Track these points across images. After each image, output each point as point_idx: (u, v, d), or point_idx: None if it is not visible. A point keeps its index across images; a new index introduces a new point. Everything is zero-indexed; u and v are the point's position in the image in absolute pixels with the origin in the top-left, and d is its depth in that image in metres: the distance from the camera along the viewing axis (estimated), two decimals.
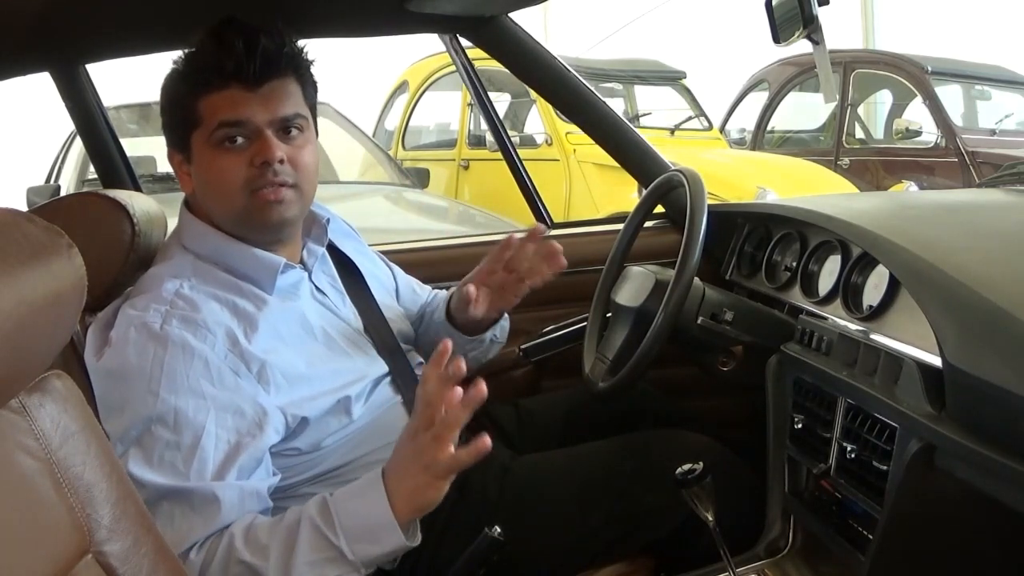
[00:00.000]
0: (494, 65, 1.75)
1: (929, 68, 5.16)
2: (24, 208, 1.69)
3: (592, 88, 1.73)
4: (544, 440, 1.33)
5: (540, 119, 4.91)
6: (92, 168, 1.96)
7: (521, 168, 1.89)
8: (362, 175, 4.54)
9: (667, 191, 1.44)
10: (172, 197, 1.21)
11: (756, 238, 1.57)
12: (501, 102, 5.25)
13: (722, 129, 5.81)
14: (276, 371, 1.02)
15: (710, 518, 1.01)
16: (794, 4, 1.37)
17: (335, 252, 1.25)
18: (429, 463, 0.89)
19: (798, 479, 1.21)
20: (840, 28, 6.82)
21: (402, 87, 5.83)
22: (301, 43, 1.09)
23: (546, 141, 4.79)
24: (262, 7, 1.16)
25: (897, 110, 5.71)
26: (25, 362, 0.62)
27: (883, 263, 1.11)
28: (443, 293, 1.40)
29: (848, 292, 1.19)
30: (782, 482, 1.22)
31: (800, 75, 5.77)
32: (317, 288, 1.17)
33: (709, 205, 1.25)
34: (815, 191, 4.08)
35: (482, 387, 0.88)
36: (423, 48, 5.31)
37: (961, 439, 0.85)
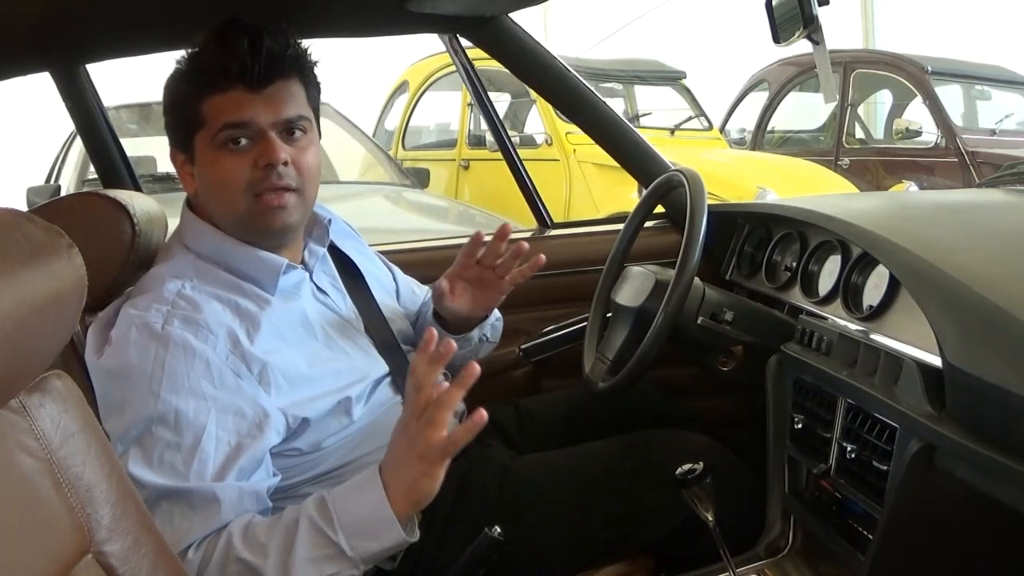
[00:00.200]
0: (494, 65, 1.75)
1: (929, 68, 5.16)
2: (24, 208, 1.69)
3: (592, 88, 1.73)
4: (544, 440, 1.33)
5: (540, 119, 4.91)
6: (92, 168, 1.96)
7: (521, 168, 1.89)
8: (362, 175, 4.54)
9: (667, 191, 1.44)
10: (172, 197, 1.21)
11: (756, 238, 1.57)
12: (501, 102, 5.25)
13: (722, 129, 5.81)
14: (277, 372, 1.02)
15: (710, 518, 1.01)
16: (794, 4, 1.37)
17: (336, 252, 1.25)
18: (424, 450, 0.89)
19: (798, 479, 1.20)
20: (840, 28, 6.82)
21: (402, 87, 5.83)
22: (305, 44, 1.09)
23: (546, 141, 4.79)
24: (263, 7, 1.16)
25: (897, 110, 5.71)
26: (25, 362, 0.62)
27: (883, 263, 1.11)
28: None
29: (848, 292, 1.19)
30: (782, 482, 1.22)
31: (800, 75, 5.77)
32: (318, 288, 1.17)
33: (709, 205, 1.25)
34: (815, 191, 4.08)
35: (475, 367, 0.88)
36: (423, 48, 5.31)
37: (961, 439, 0.85)
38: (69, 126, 2.13)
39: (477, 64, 1.90)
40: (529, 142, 4.90)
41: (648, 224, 1.63)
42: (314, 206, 1.15)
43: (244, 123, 1.03)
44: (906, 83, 5.31)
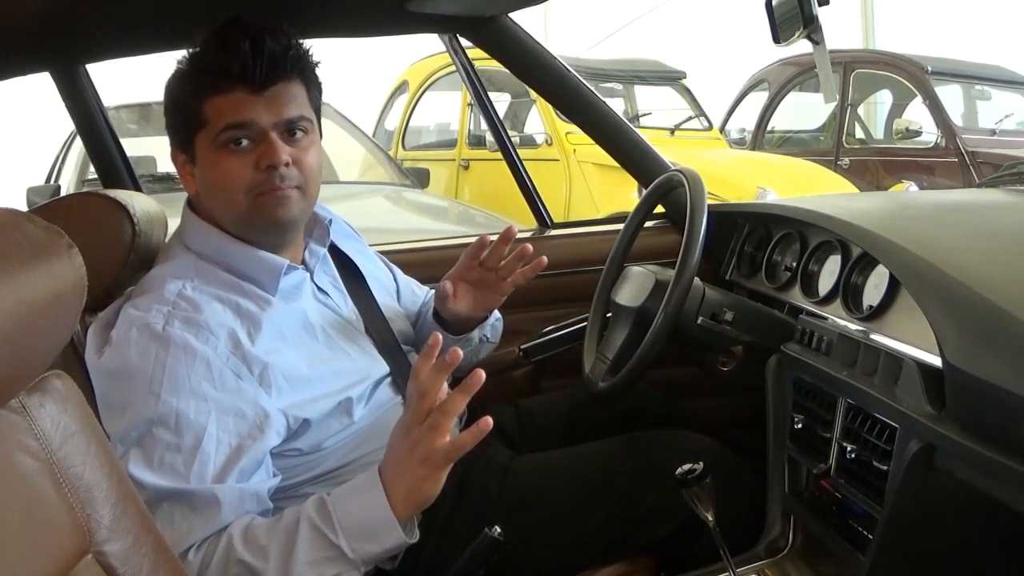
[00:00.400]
0: (494, 65, 1.75)
1: (929, 68, 5.16)
2: (24, 208, 1.69)
3: (592, 88, 1.73)
4: (544, 440, 1.33)
5: (540, 119, 4.91)
6: (92, 168, 1.96)
7: (521, 168, 1.89)
8: (362, 175, 4.54)
9: (667, 191, 1.44)
10: (172, 197, 1.21)
11: (756, 238, 1.57)
12: (501, 102, 5.25)
13: (722, 129, 5.81)
14: (278, 373, 1.02)
15: (710, 518, 1.01)
16: (794, 4, 1.37)
17: (336, 253, 1.25)
18: (426, 455, 0.89)
19: (798, 479, 1.21)
20: (840, 28, 6.82)
21: (402, 87, 5.83)
22: (307, 44, 1.09)
23: (546, 141, 4.79)
24: (263, 7, 1.16)
25: (897, 110, 5.71)
26: (25, 362, 0.62)
27: (883, 263, 1.11)
28: None
29: (848, 292, 1.19)
30: (782, 482, 1.22)
31: (800, 75, 5.77)
32: (319, 288, 1.17)
33: (709, 205, 1.25)
34: (815, 191, 4.08)
35: (480, 374, 0.88)
36: (423, 48, 5.31)
37: (961, 439, 0.85)
38: (69, 126, 2.13)
39: (477, 64, 1.90)
40: (529, 142, 4.90)
41: (648, 224, 1.63)
42: (315, 206, 1.15)
43: (245, 124, 1.02)
44: (906, 83, 5.31)
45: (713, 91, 5.90)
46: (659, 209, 1.66)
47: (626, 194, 3.81)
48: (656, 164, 1.70)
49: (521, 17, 1.65)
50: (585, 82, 1.72)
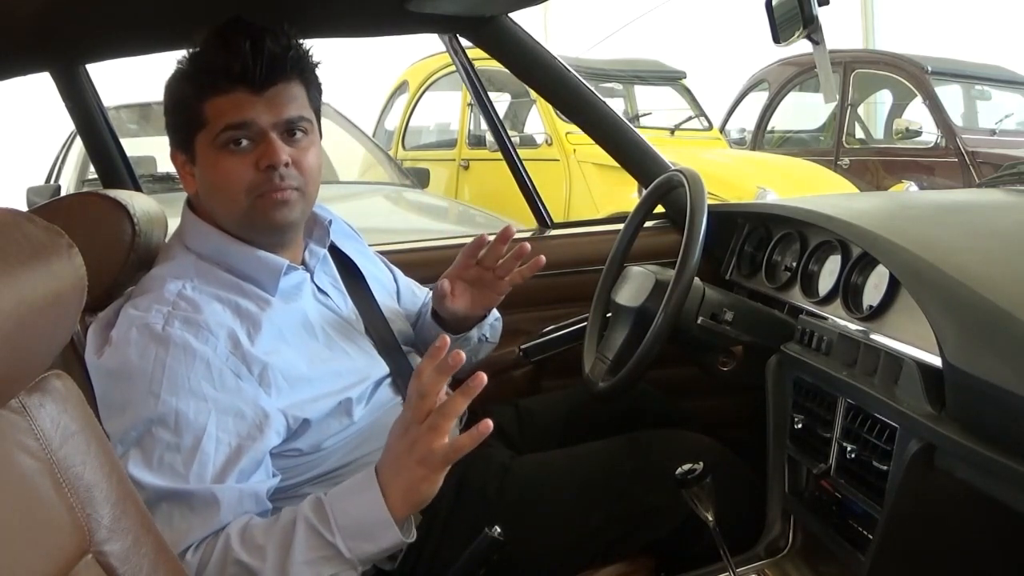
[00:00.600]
0: (494, 65, 1.75)
1: (929, 68, 5.16)
2: (24, 208, 1.69)
3: (592, 88, 1.73)
4: (544, 440, 1.33)
5: (540, 119, 4.91)
6: (92, 168, 1.96)
7: (521, 168, 1.89)
8: (362, 175, 4.54)
9: (667, 191, 1.44)
10: (172, 197, 1.21)
11: (756, 238, 1.57)
12: (501, 102, 5.25)
13: (722, 129, 5.81)
14: (277, 373, 1.02)
15: (710, 518, 1.01)
16: (794, 4, 1.37)
17: (336, 253, 1.25)
18: (425, 456, 0.89)
19: (798, 479, 1.21)
20: (840, 28, 6.82)
21: (402, 87, 5.83)
22: (307, 45, 1.09)
23: (546, 141, 4.79)
24: (263, 7, 1.16)
25: (897, 110, 5.71)
26: (25, 362, 0.62)
27: (883, 263, 1.11)
28: None
29: (848, 292, 1.19)
30: (782, 482, 1.22)
31: (800, 75, 5.77)
32: (319, 289, 1.17)
33: (709, 205, 1.25)
34: (815, 191, 4.08)
35: (482, 377, 0.88)
36: (423, 48, 5.31)
37: (961, 439, 0.85)
38: (69, 126, 2.13)
39: (477, 64, 1.90)
40: (529, 142, 4.90)
41: (648, 224, 1.63)
42: (314, 206, 1.15)
43: (245, 124, 1.02)
44: (906, 83, 5.31)
45: (713, 91, 5.90)
46: (659, 209, 1.66)
47: (626, 194, 3.81)
48: (656, 164, 1.70)
49: (521, 17, 1.65)
50: (585, 82, 1.72)
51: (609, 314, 1.41)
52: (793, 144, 5.95)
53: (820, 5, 1.36)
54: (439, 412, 0.88)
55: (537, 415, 1.41)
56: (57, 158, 4.26)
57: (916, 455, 0.93)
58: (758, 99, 6.14)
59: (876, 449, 1.01)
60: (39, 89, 1.61)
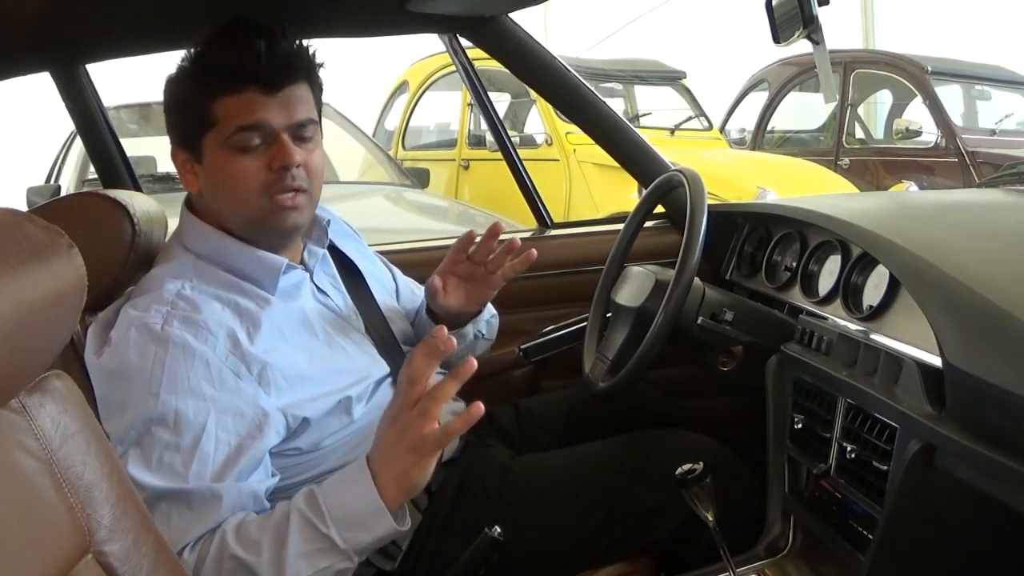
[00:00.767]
0: (494, 65, 1.75)
1: (929, 68, 5.16)
2: (24, 208, 1.69)
3: (592, 88, 1.73)
4: (544, 440, 1.33)
5: (540, 119, 4.91)
6: (92, 168, 1.96)
7: (521, 168, 1.89)
8: (362, 175, 4.54)
9: (667, 191, 1.44)
10: (172, 197, 1.21)
11: (756, 238, 1.57)
12: (501, 102, 5.25)
13: (722, 129, 5.81)
14: (277, 372, 1.02)
15: (710, 518, 1.01)
16: (794, 4, 1.37)
17: (336, 253, 1.25)
18: (415, 442, 0.89)
19: (798, 479, 1.20)
20: (840, 28, 6.82)
21: (402, 87, 5.83)
22: (311, 46, 1.09)
23: (546, 141, 4.79)
24: (263, 7, 1.16)
25: (897, 110, 5.71)
26: (25, 362, 0.62)
27: (883, 263, 1.11)
28: None
29: (848, 292, 1.19)
30: (782, 482, 1.22)
31: (800, 75, 5.77)
32: (319, 288, 1.17)
33: (709, 205, 1.25)
34: (815, 191, 4.08)
35: (472, 362, 0.88)
36: (423, 48, 5.31)
37: (961, 439, 0.85)
38: (69, 126, 2.13)
39: (477, 64, 1.90)
40: (529, 142, 4.90)
41: (648, 224, 1.63)
42: None
43: (259, 125, 1.03)
44: (906, 83, 5.31)
45: (713, 91, 5.90)
46: (659, 209, 1.66)
47: (626, 194, 3.81)
48: (656, 164, 1.70)
49: (521, 17, 1.65)
50: (585, 82, 1.72)
51: (609, 314, 1.41)
52: (793, 144, 5.95)
53: (820, 5, 1.36)
54: (429, 397, 0.88)
55: (537, 415, 1.41)
56: (57, 158, 4.26)
57: (916, 455, 0.93)
58: (758, 99, 6.14)
59: (876, 449, 1.01)
60: (39, 89, 1.61)
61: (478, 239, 1.22)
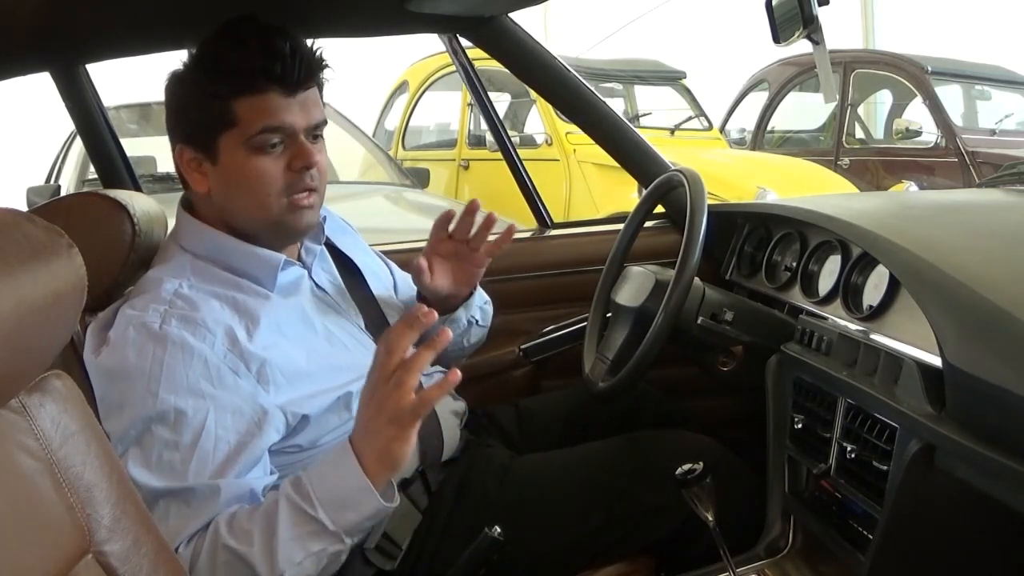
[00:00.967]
0: (494, 65, 1.75)
1: (929, 68, 5.16)
2: (24, 208, 1.69)
3: (592, 88, 1.73)
4: (544, 440, 1.33)
5: (540, 119, 4.91)
6: (92, 168, 1.96)
7: (521, 168, 1.89)
8: (362, 175, 4.54)
9: (667, 191, 1.44)
10: (173, 197, 1.21)
11: (756, 238, 1.57)
12: (501, 102, 5.25)
13: (722, 129, 5.81)
14: (276, 369, 1.02)
15: (710, 518, 1.01)
16: (794, 4, 1.37)
17: (333, 250, 1.25)
18: (393, 414, 0.89)
19: (798, 479, 1.20)
20: (840, 28, 6.82)
21: (402, 87, 5.83)
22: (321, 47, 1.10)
23: (546, 141, 4.79)
24: (263, 7, 1.16)
25: (897, 110, 5.71)
26: (25, 362, 0.62)
27: (883, 263, 1.11)
28: None
29: (848, 292, 1.19)
30: (782, 482, 1.22)
31: (800, 75, 5.77)
32: (317, 285, 1.17)
33: (709, 205, 1.25)
34: (815, 191, 4.08)
35: (448, 333, 0.88)
36: (423, 48, 5.31)
37: (961, 439, 0.85)
38: (69, 126, 2.13)
39: (477, 64, 1.90)
40: (529, 142, 4.90)
41: (648, 224, 1.63)
42: None
43: (281, 127, 1.03)
44: (906, 83, 5.31)
45: (713, 91, 5.90)
46: (659, 209, 1.66)
47: (626, 194, 3.81)
48: (656, 164, 1.70)
49: (521, 17, 1.65)
50: (585, 82, 1.72)
51: (609, 314, 1.41)
52: (793, 144, 5.95)
53: (820, 5, 1.35)
54: (403, 367, 0.88)
55: (537, 415, 1.41)
56: (57, 158, 4.26)
57: (916, 455, 0.93)
58: (758, 99, 6.14)
59: (876, 449, 1.01)
60: (39, 89, 1.61)
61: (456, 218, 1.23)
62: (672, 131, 5.05)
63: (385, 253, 1.44)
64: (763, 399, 1.27)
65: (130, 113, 3.82)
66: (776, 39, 1.47)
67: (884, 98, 5.93)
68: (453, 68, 2.17)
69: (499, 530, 0.94)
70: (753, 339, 1.29)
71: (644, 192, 1.50)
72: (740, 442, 1.29)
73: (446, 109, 5.71)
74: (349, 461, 0.91)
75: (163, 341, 0.97)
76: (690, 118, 5.17)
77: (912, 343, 1.00)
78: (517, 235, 1.88)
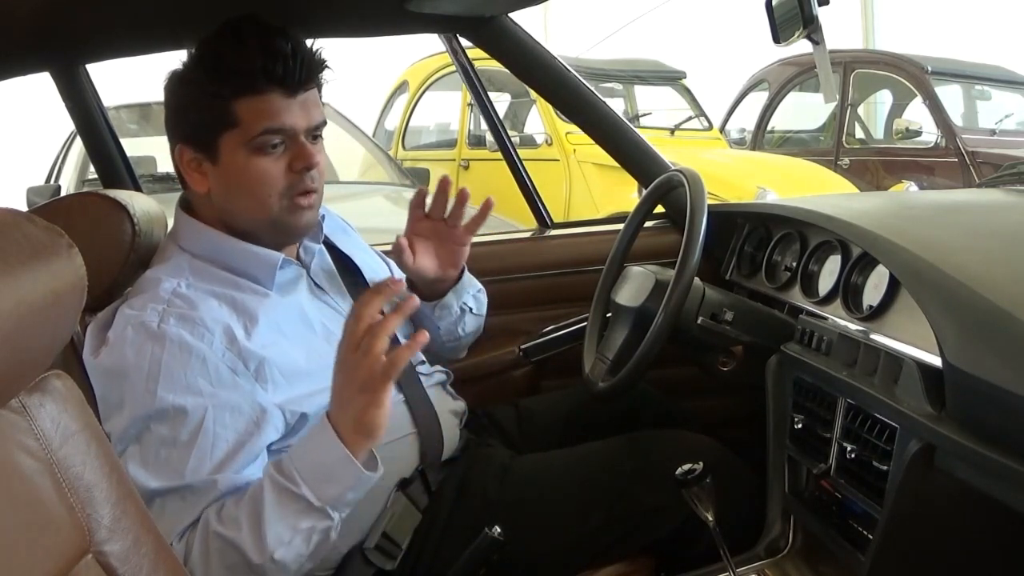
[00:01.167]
0: (494, 65, 1.75)
1: (929, 68, 5.16)
2: (24, 208, 1.69)
3: (592, 88, 1.73)
4: (544, 440, 1.33)
5: (540, 119, 4.91)
6: (92, 168, 1.96)
7: (521, 168, 1.89)
8: (362, 175, 4.55)
9: (667, 191, 1.44)
10: (172, 197, 1.21)
11: (756, 238, 1.57)
12: (501, 102, 5.25)
13: (722, 129, 5.81)
14: (274, 368, 1.02)
15: (710, 518, 1.01)
16: (794, 4, 1.37)
17: (332, 249, 1.25)
18: (364, 381, 0.90)
19: (798, 479, 1.20)
20: (840, 28, 6.82)
21: (402, 87, 5.83)
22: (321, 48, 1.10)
23: (546, 141, 4.79)
24: (263, 7, 1.16)
25: (897, 110, 5.71)
26: (25, 362, 0.62)
27: (883, 263, 1.11)
28: None
29: (848, 292, 1.19)
30: (782, 482, 1.22)
31: (800, 75, 5.77)
32: (316, 284, 1.17)
33: (709, 205, 1.25)
34: (815, 191, 4.08)
35: (415, 300, 0.90)
36: (423, 48, 5.31)
37: (961, 439, 0.85)
38: (69, 126, 2.13)
39: (477, 64, 1.90)
40: (529, 142, 4.90)
41: (648, 224, 1.63)
42: None
43: (283, 128, 1.03)
44: (906, 83, 5.31)
45: (713, 91, 5.90)
46: (659, 209, 1.66)
47: (626, 194, 3.81)
48: (656, 164, 1.70)
49: (521, 17, 1.65)
50: (585, 82, 1.72)
51: (609, 314, 1.41)
52: (793, 144, 5.95)
53: (820, 5, 1.35)
54: (368, 333, 0.89)
55: (537, 415, 1.41)
56: (57, 158, 4.26)
57: (916, 455, 0.93)
58: (758, 99, 6.14)
59: (876, 449, 1.01)
60: (39, 89, 1.61)
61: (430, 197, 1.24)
62: (672, 131, 5.05)
63: (385, 253, 1.44)
64: (763, 399, 1.27)
65: (130, 113, 3.83)
66: (776, 39, 1.47)
67: (884, 98, 5.94)
68: (453, 68, 2.17)
69: (499, 530, 0.94)
70: (753, 339, 1.29)
71: (644, 192, 1.50)
72: (740, 442, 1.29)
73: (446, 109, 5.71)
74: (327, 434, 0.92)
75: (161, 340, 0.97)
76: (690, 118, 5.17)
77: (912, 343, 1.00)
78: (517, 235, 1.88)
